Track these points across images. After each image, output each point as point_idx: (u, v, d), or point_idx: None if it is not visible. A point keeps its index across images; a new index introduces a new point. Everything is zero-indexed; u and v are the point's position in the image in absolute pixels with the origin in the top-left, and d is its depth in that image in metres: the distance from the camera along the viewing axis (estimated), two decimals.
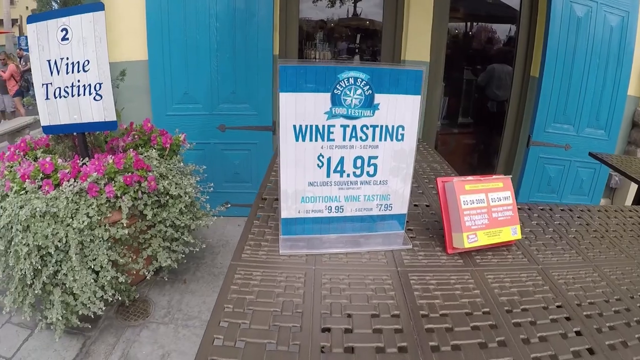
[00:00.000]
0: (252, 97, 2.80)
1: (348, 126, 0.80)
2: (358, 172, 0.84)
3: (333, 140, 0.81)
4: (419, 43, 2.94)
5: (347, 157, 0.82)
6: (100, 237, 1.83)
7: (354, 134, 0.81)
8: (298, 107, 0.79)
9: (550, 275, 0.86)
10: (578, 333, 0.69)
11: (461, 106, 4.17)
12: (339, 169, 0.83)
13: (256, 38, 2.64)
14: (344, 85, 0.79)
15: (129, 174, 1.87)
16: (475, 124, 4.20)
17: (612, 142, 3.23)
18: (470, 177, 0.88)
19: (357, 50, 3.42)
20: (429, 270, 0.83)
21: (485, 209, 0.88)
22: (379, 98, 0.80)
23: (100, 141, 2.18)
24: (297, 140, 0.81)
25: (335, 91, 0.79)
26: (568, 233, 1.07)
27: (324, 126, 0.80)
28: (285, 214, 0.86)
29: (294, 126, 0.80)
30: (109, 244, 1.86)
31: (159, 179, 1.94)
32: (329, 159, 0.82)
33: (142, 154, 2.00)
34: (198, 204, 2.16)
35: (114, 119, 1.90)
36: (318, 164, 0.82)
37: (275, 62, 2.85)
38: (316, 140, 0.81)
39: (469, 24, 4.13)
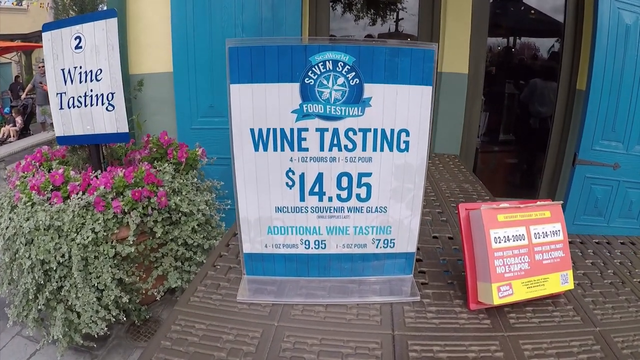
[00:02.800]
0: None
1: (327, 130, 0.57)
2: (344, 194, 0.60)
3: (307, 149, 0.58)
4: (456, 55, 2.74)
5: (328, 174, 0.59)
6: (106, 253, 1.72)
7: (336, 142, 0.57)
8: (256, 104, 0.57)
9: (612, 342, 0.58)
10: None
11: (503, 122, 3.87)
12: (316, 190, 0.60)
13: None
14: (318, 72, 0.56)
15: (139, 188, 1.76)
16: (517, 142, 3.92)
17: None
18: (505, 204, 0.61)
19: None
20: (440, 335, 0.57)
21: (525, 248, 0.60)
22: (370, 89, 0.56)
23: (119, 154, 2.12)
24: (256, 149, 0.59)
25: (307, 80, 0.56)
26: (632, 276, 0.78)
27: (292, 130, 0.58)
28: (247, 247, 0.64)
29: (252, 130, 0.58)
30: (115, 262, 1.75)
31: (170, 195, 1.81)
32: (302, 176, 0.59)
33: (155, 168, 1.89)
34: (213, 222, 2.01)
35: (126, 130, 1.81)
36: (287, 183, 0.60)
37: None
38: (283, 149, 0.58)
39: (511, 37, 3.87)
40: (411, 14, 3.14)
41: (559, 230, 0.64)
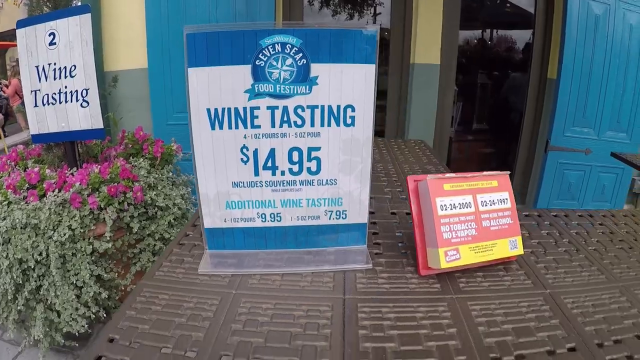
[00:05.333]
0: None
1: (277, 108, 0.61)
2: (295, 168, 0.64)
3: (259, 126, 0.62)
4: (428, 47, 2.80)
5: (280, 149, 0.63)
6: (83, 250, 1.73)
7: (286, 118, 0.61)
8: (212, 86, 0.61)
9: (562, 303, 0.62)
10: None
11: (476, 112, 3.96)
12: (269, 164, 0.63)
13: None
14: (268, 55, 0.60)
15: (115, 184, 1.77)
16: (491, 130, 4.02)
17: (634, 145, 2.99)
18: (451, 174, 0.66)
19: None
20: (389, 298, 0.61)
21: (472, 215, 0.65)
22: (316, 69, 0.60)
23: (95, 151, 2.11)
24: (212, 128, 0.62)
25: (258, 62, 0.60)
26: (588, 245, 0.83)
27: (245, 109, 0.61)
28: (208, 222, 0.67)
29: (208, 110, 0.62)
30: (93, 258, 1.76)
31: (146, 190, 1.82)
32: (255, 152, 0.63)
33: (131, 164, 1.90)
34: (189, 215, 2.02)
35: (101, 126, 1.82)
36: (242, 159, 0.63)
37: None
38: (237, 127, 0.62)
39: (484, 29, 3.96)
40: (386, 7, 3.19)
41: (506, 199, 0.68)
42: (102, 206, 1.77)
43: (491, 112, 4.01)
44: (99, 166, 1.84)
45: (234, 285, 0.63)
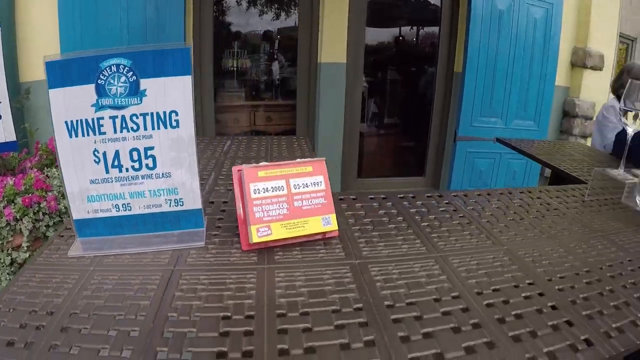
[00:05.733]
0: None
1: (117, 117, 0.76)
2: (136, 165, 0.79)
3: (105, 133, 0.77)
4: (334, 46, 2.93)
5: (122, 150, 0.78)
6: (2, 262, 1.77)
7: (124, 125, 0.76)
8: (67, 103, 0.75)
9: (450, 263, 0.75)
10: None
11: (388, 107, 4.15)
12: (116, 163, 0.78)
13: None
14: (107, 74, 0.75)
15: (29, 195, 1.82)
16: (402, 124, 4.19)
17: (542, 132, 3.26)
18: (267, 164, 0.82)
19: (275, 57, 3.41)
20: (210, 268, 0.76)
21: (284, 197, 0.80)
22: (144, 83, 0.75)
23: (12, 164, 2.14)
24: (70, 137, 0.76)
25: (100, 81, 0.75)
26: (481, 217, 0.96)
27: (93, 119, 0.76)
28: (75, 215, 0.81)
29: (66, 122, 0.76)
30: (13, 269, 1.80)
31: (60, 199, 1.89)
32: (104, 154, 0.78)
33: (45, 174, 1.96)
34: None
35: (14, 139, 1.86)
36: (95, 160, 0.78)
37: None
38: (88, 135, 0.76)
39: (393, 26, 4.13)
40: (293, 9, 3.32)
41: (320, 182, 0.82)
42: (18, 217, 1.81)
43: (402, 106, 4.21)
44: (14, 178, 1.88)
45: (93, 264, 0.77)
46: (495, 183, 3.30)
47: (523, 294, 0.67)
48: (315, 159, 0.85)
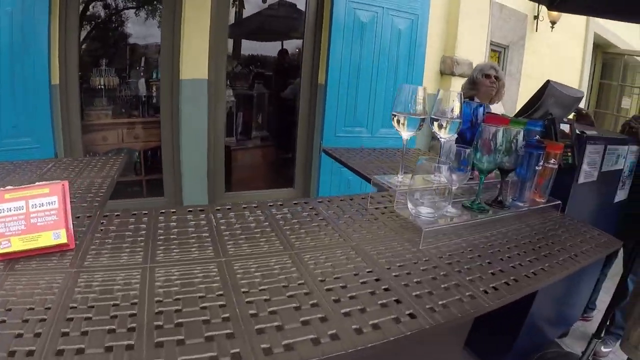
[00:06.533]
0: (34, 130, 2.64)
1: None
2: None
3: None
4: (195, 62, 2.86)
5: None
6: None
7: None
8: None
9: (302, 259, 0.81)
10: None
11: (255, 121, 4.07)
12: None
13: (33, 69, 2.49)
14: None
15: None
16: (271, 137, 4.18)
17: (411, 139, 3.29)
18: (12, 187, 0.83)
19: (142, 74, 3.33)
20: None
21: (23, 215, 0.81)
22: None
23: None
24: None
25: None
26: (339, 219, 1.03)
27: None
28: None
29: None
30: None
31: None
32: None
33: None
34: None
35: None
36: None
37: (54, 92, 2.70)
38: None
39: (260, 40, 4.13)
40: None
41: (54, 202, 0.84)
42: None
43: (271, 119, 4.20)
44: None
45: None
46: (363, 189, 3.31)
47: (361, 280, 0.75)
48: (54, 182, 0.86)
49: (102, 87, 3.35)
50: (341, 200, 1.17)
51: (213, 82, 2.99)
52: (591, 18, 5.11)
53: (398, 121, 1.10)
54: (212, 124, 3.03)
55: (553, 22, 4.49)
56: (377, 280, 0.75)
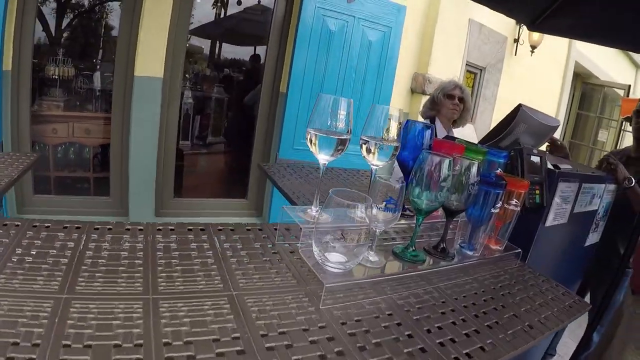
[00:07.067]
0: None
1: None
2: None
3: None
4: (151, 59, 2.71)
5: None
6: None
7: None
8: None
9: (157, 307, 0.65)
10: None
11: (212, 125, 3.88)
12: None
13: None
14: None
15: None
16: (228, 144, 3.96)
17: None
18: None
19: (98, 67, 3.18)
20: None
21: None
22: None
23: None
24: None
25: None
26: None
27: None
28: None
29: None
30: None
31: None
32: None
33: None
34: None
35: None
36: None
37: (6, 79, 2.49)
38: None
39: (222, 44, 3.92)
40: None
41: None
42: None
43: (229, 125, 4.02)
44: None
45: None
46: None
47: (218, 351, 0.59)
48: None
49: (57, 77, 3.19)
50: (248, 229, 0.96)
51: (168, 81, 2.85)
52: (573, 45, 5.06)
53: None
54: (164, 125, 2.89)
55: (533, 47, 4.43)
56: (239, 353, 0.57)
